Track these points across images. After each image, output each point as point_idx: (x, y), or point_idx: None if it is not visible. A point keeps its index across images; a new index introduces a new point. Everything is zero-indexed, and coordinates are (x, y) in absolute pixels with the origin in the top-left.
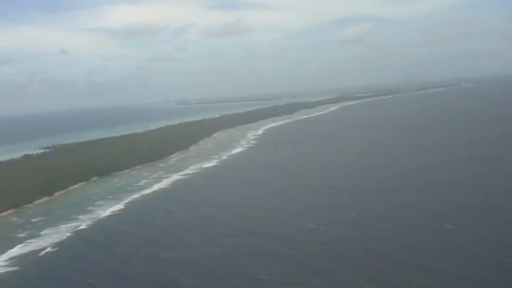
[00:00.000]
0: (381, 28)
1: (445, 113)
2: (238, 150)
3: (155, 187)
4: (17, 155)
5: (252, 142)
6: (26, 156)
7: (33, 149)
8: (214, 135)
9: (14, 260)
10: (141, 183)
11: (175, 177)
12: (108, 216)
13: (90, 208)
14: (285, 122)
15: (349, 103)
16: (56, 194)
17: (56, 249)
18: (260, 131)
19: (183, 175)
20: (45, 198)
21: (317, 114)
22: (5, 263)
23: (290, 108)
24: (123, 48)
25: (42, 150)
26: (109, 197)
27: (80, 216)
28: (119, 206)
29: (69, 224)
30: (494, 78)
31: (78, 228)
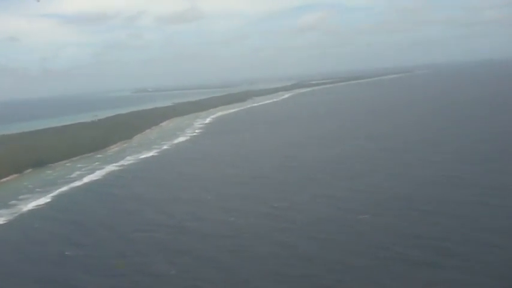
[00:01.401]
0: (338, 15)
1: (387, 100)
2: (180, 139)
3: (86, 179)
4: None
5: (197, 131)
6: None
7: None
8: (162, 124)
9: None
10: (73, 175)
11: (110, 168)
12: (30, 211)
13: (13, 202)
14: (235, 110)
15: (303, 90)
16: None
17: None
18: (208, 120)
19: (118, 166)
20: None
21: (268, 102)
22: None
23: (244, 96)
24: (76, 35)
25: None
26: (37, 190)
27: (1, 211)
28: (44, 200)
29: None
30: (448, 64)
31: None
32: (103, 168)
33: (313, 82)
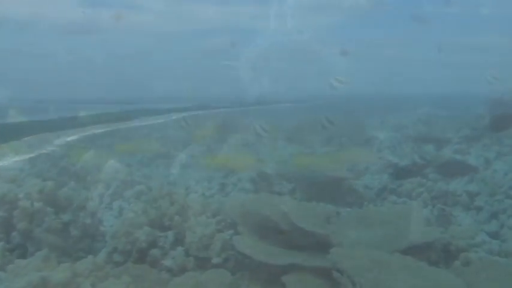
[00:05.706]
0: (246, 41)
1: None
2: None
3: None
4: None
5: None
6: None
7: None
8: (25, 139)
9: None
10: None
11: None
12: None
13: None
14: (105, 130)
15: (197, 112)
16: None
17: None
18: (68, 139)
19: None
20: None
21: (150, 123)
22: None
23: (133, 115)
24: None
25: None
26: None
27: None
28: None
29: None
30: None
31: None
32: None
33: (214, 105)
